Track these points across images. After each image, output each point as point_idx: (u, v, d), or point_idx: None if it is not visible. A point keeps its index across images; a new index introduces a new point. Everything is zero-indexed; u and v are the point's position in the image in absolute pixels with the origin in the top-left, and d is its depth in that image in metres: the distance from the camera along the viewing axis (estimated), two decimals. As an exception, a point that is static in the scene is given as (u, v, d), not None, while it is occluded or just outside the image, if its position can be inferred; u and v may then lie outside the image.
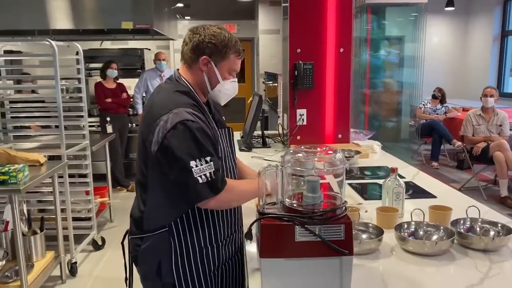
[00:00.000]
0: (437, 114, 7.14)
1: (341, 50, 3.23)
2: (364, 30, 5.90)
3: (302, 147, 1.30)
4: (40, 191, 3.55)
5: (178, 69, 1.60)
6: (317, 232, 1.22)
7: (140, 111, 5.66)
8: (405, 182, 2.34)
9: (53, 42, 2.98)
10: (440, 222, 1.66)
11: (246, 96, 8.60)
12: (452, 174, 6.44)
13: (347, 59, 3.26)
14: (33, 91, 4.62)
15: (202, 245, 1.53)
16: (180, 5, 7.92)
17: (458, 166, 6.76)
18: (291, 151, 1.30)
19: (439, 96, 7.16)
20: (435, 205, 1.77)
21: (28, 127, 4.10)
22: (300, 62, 3.17)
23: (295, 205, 1.28)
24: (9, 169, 2.50)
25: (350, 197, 2.06)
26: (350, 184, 2.36)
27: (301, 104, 3.28)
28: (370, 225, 1.62)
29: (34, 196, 3.62)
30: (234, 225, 1.64)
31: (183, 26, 9.30)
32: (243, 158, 3.02)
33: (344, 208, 1.29)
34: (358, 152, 2.91)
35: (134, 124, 5.75)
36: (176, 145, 1.39)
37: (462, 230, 1.59)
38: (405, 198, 2.01)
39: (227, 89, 1.58)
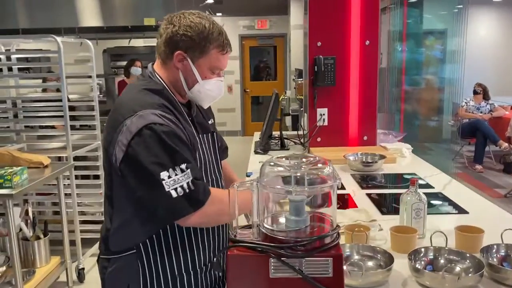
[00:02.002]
0: (481, 112, 6.61)
1: (367, 42, 2.92)
2: (400, 24, 5.50)
3: (284, 158, 1.05)
4: (53, 193, 3.44)
5: (152, 64, 1.38)
6: (297, 267, 0.96)
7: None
8: (433, 194, 2.05)
9: (59, 39, 2.85)
10: (468, 247, 1.35)
11: (278, 94, 8.36)
12: (497, 179, 5.92)
13: (373, 52, 2.95)
14: (58, 90, 4.57)
15: (176, 273, 1.30)
16: (210, 1, 7.76)
17: (504, 169, 6.23)
18: (271, 162, 1.04)
19: (480, 91, 6.63)
20: (464, 226, 1.46)
21: (53, 127, 4.03)
22: (321, 56, 2.89)
23: (274, 230, 1.03)
24: (5, 172, 2.38)
25: (364, 211, 1.77)
26: (368, 195, 2.07)
27: (322, 102, 3.00)
28: (378, 249, 1.33)
29: (49, 198, 3.53)
30: (217, 249, 1.39)
31: (214, 23, 9.16)
32: (255, 162, 2.78)
33: (335, 235, 1.03)
34: (382, 157, 2.60)
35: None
36: (143, 154, 1.16)
37: (494, 260, 1.28)
38: (431, 214, 1.71)
39: (208, 90, 1.33)
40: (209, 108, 1.51)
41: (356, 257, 1.32)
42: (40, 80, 5.06)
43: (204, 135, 1.38)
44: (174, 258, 1.29)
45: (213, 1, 7.77)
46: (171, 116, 1.23)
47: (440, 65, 6.58)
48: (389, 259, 1.27)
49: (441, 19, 6.22)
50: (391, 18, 5.51)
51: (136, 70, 5.33)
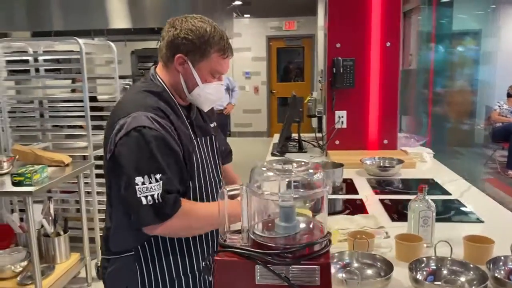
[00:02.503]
0: (515, 116, 6.36)
1: (388, 44, 2.85)
2: (430, 25, 5.36)
3: (274, 163, 1.03)
4: (76, 191, 3.53)
5: (155, 66, 1.39)
6: (284, 275, 0.95)
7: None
8: (449, 201, 1.99)
9: (81, 41, 2.93)
10: (476, 259, 1.29)
11: (304, 96, 8.30)
12: (531, 185, 5.68)
13: (394, 54, 2.88)
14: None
15: (174, 276, 1.30)
16: (238, 2, 7.79)
17: (539, 176, 5.96)
18: (261, 167, 1.03)
19: (514, 94, 6.36)
20: (474, 235, 1.40)
21: (81, 127, 4.14)
22: (339, 58, 2.85)
23: (263, 236, 1.01)
24: (26, 170, 2.46)
25: (372, 217, 1.73)
26: (381, 200, 2.02)
27: (341, 105, 2.95)
28: (378, 257, 1.29)
29: (72, 196, 3.62)
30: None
31: (243, 25, 9.20)
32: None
33: (326, 242, 1.00)
34: (400, 161, 2.53)
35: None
36: (126, 155, 1.19)
37: (500, 273, 1.22)
38: (443, 222, 1.67)
39: (209, 94, 1.33)
40: (212, 111, 1.51)
41: (355, 265, 1.29)
42: (70, 81, 5.20)
43: (203, 138, 1.38)
44: (172, 261, 1.30)
45: (241, 2, 7.80)
46: (164, 120, 1.24)
47: (472, 66, 6.38)
48: (389, 268, 1.23)
49: (473, 19, 6.02)
50: (421, 19, 5.38)
51: (161, 71, 5.42)
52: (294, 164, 1.03)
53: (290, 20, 9.14)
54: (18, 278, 2.64)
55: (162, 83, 1.33)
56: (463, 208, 1.90)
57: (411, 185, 2.31)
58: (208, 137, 1.40)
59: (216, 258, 0.97)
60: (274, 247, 0.97)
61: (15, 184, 2.42)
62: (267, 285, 0.95)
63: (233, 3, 7.50)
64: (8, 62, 3.35)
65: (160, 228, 1.18)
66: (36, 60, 3.46)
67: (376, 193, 2.15)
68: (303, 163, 1.02)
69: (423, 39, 5.40)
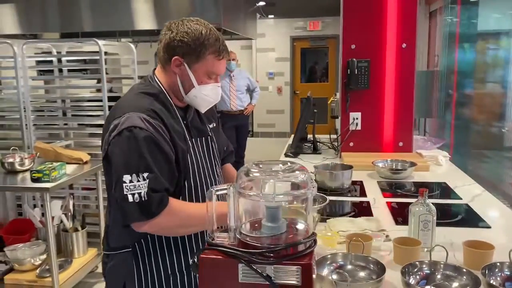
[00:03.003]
0: (546, 119, 6.14)
1: (404, 45, 2.82)
2: (454, 25, 5.24)
3: (261, 165, 1.05)
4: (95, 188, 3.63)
5: (154, 69, 1.43)
6: (266, 273, 0.96)
7: (209, 110, 5.64)
8: (458, 205, 1.96)
9: (100, 42, 3.01)
10: (474, 264, 1.28)
11: (328, 96, 8.25)
12: (561, 191, 5.47)
13: (410, 55, 2.84)
14: (110, 90, 4.81)
15: (170, 272, 1.34)
16: (262, 3, 7.82)
17: None
18: (245, 169, 1.05)
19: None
20: (474, 241, 1.38)
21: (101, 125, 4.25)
22: (354, 59, 2.83)
23: (248, 235, 1.03)
24: (44, 167, 2.55)
25: (375, 220, 1.72)
26: (388, 203, 2.00)
27: (355, 106, 2.93)
28: (371, 259, 1.29)
29: (93, 193, 3.72)
30: None
31: (267, 25, 9.22)
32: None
33: (311, 242, 1.01)
34: (413, 164, 2.50)
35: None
36: (117, 154, 1.24)
37: (496, 279, 1.20)
38: (449, 226, 1.65)
39: (205, 95, 1.35)
40: (212, 111, 1.53)
41: (349, 267, 1.29)
42: (95, 81, 5.35)
43: (198, 139, 1.40)
44: (167, 258, 1.33)
45: (264, 3, 7.82)
46: (156, 121, 1.27)
47: (502, 67, 6.18)
48: (382, 271, 1.23)
49: (504, 18, 5.84)
50: (445, 18, 5.26)
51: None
52: (281, 165, 1.04)
53: (315, 21, 9.10)
54: (37, 271, 2.74)
55: (160, 85, 1.36)
56: (471, 213, 1.86)
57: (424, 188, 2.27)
58: (204, 138, 1.43)
59: (201, 255, 1.00)
60: (258, 246, 0.98)
61: (34, 180, 2.52)
62: (250, 284, 0.97)
63: (257, 4, 7.53)
64: (37, 62, 3.49)
65: (147, 226, 1.22)
66: (60, 61, 3.58)
67: (385, 196, 2.13)
68: (288, 165, 1.04)
69: (448, 40, 5.28)
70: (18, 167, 2.76)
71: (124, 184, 1.18)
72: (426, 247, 1.45)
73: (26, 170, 2.76)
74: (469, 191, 2.17)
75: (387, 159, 2.62)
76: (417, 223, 1.48)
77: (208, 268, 1.00)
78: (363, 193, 2.18)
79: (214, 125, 1.53)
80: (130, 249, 1.33)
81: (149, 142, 1.22)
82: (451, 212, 1.86)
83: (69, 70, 3.66)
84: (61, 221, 3.01)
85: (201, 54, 1.29)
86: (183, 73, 1.32)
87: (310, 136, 3.29)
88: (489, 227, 1.70)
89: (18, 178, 2.71)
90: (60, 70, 3.59)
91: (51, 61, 3.64)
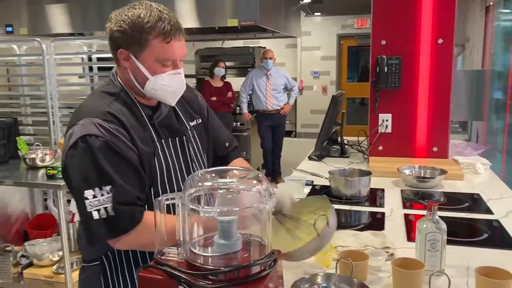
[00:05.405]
0: None
1: (440, 41, 2.56)
2: (509, 20, 4.79)
3: (214, 173, 0.91)
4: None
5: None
6: (209, 299, 0.83)
7: (245, 110, 5.56)
8: (487, 221, 1.71)
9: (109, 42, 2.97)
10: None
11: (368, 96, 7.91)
12: None
13: (447, 52, 2.58)
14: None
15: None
16: (308, 0, 7.62)
17: None
18: (196, 177, 0.92)
19: None
20: (491, 267, 1.16)
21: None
22: (384, 56, 2.62)
23: (198, 253, 0.90)
24: (59, 164, 2.54)
25: (381, 235, 1.52)
26: (406, 216, 1.79)
27: (385, 107, 2.71)
28: (355, 281, 1.11)
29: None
30: None
31: (312, 23, 9.00)
32: (309, 168, 2.58)
33: (269, 264, 0.87)
34: (444, 172, 2.25)
35: (238, 123, 5.70)
36: (73, 167, 1.12)
37: (505, 320, 0.99)
38: (469, 246, 1.44)
39: (164, 86, 1.18)
40: (198, 106, 1.41)
41: (332, 290, 1.12)
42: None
43: (170, 139, 1.26)
44: (135, 273, 1.23)
45: (310, 0, 7.62)
46: (113, 124, 1.14)
47: None
48: (368, 298, 1.06)
49: None
50: (497, 15, 4.84)
51: (219, 71, 5.45)
52: (236, 172, 0.91)
53: (363, 18, 8.77)
54: (54, 267, 2.76)
55: (120, 82, 1.24)
56: (501, 232, 1.62)
57: (451, 200, 2.03)
58: (178, 138, 1.28)
59: (140, 274, 0.88)
60: (202, 267, 0.85)
61: (49, 177, 2.52)
62: (190, 309, 0.84)
63: (302, 2, 7.34)
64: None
65: (118, 244, 1.11)
66: (90, 58, 3.61)
67: (405, 207, 1.92)
68: (244, 173, 0.90)
69: (502, 37, 4.85)
70: (39, 163, 2.79)
71: (87, 201, 1.07)
72: (434, 270, 1.25)
73: (46, 167, 2.78)
74: (505, 205, 1.91)
75: (415, 165, 2.38)
76: (423, 242, 1.28)
77: (146, 287, 0.88)
78: (380, 203, 1.98)
79: (199, 121, 1.38)
80: (98, 262, 1.24)
81: (106, 150, 1.10)
82: (476, 229, 1.63)
83: (99, 68, 3.67)
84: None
85: (144, 40, 1.13)
86: (133, 66, 1.17)
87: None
88: (516, 249, 1.46)
89: (39, 174, 2.73)
90: (91, 68, 3.62)
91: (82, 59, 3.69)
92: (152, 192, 1.20)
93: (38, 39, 3.15)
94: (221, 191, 0.86)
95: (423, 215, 1.70)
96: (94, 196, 1.07)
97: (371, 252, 1.35)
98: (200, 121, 1.40)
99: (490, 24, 5.44)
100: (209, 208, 0.84)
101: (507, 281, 1.12)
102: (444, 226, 1.27)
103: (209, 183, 0.89)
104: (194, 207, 0.85)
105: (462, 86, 4.02)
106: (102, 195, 1.07)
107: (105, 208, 1.07)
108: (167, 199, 0.93)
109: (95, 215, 1.07)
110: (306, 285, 1.12)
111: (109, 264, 1.23)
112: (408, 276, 1.18)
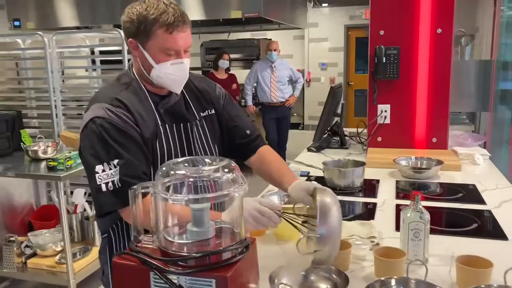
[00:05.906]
0: None
1: (439, 31, 2.54)
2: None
3: (186, 163, 0.93)
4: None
5: None
6: (179, 284, 0.85)
7: (250, 102, 5.57)
8: (478, 211, 1.70)
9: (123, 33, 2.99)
10: (466, 284, 1.08)
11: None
12: None
13: (446, 42, 2.56)
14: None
15: None
16: (315, -9, 7.58)
17: None
18: (164, 167, 0.93)
19: None
20: (471, 256, 1.16)
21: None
22: (382, 46, 2.60)
23: (170, 241, 0.92)
24: (61, 156, 2.59)
25: (368, 225, 1.53)
26: (398, 206, 1.79)
27: (384, 98, 2.69)
28: (333, 269, 1.13)
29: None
30: None
31: (320, 14, 8.93)
32: (307, 160, 2.59)
33: (240, 250, 0.88)
34: (440, 163, 2.24)
35: (243, 115, 5.70)
36: (85, 146, 1.24)
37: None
38: (459, 235, 1.43)
39: (167, 73, 1.27)
40: (213, 98, 1.46)
41: (311, 278, 1.13)
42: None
43: (174, 125, 1.34)
44: None
45: (317, -9, 7.57)
46: (120, 109, 1.25)
47: None
48: (346, 283, 1.07)
49: None
50: (502, 5, 4.75)
51: (223, 63, 5.45)
52: (208, 160, 0.92)
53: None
54: (57, 257, 2.81)
55: (134, 72, 1.34)
56: (491, 222, 1.61)
57: (446, 190, 2.02)
58: (183, 124, 1.36)
59: (114, 260, 0.90)
60: (172, 253, 0.87)
61: (49, 168, 2.56)
62: (162, 294, 0.86)
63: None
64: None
65: (124, 214, 1.20)
66: (92, 52, 3.64)
67: (398, 198, 1.92)
68: (216, 161, 0.91)
69: (507, 27, 4.76)
70: (41, 155, 2.83)
71: (97, 175, 1.18)
72: (417, 259, 1.25)
73: (48, 159, 2.82)
74: (499, 196, 1.90)
75: (412, 156, 2.37)
76: (406, 231, 1.28)
77: (120, 273, 0.90)
78: (373, 194, 1.98)
79: (211, 112, 1.45)
80: (106, 234, 1.35)
81: (112, 129, 1.20)
82: (466, 219, 1.62)
83: (102, 62, 3.71)
84: (85, 209, 3.06)
85: (149, 31, 1.22)
86: (141, 54, 1.27)
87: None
88: (505, 239, 1.45)
89: (41, 166, 2.78)
90: (94, 61, 3.65)
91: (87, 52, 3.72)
92: (152, 173, 1.27)
93: (40, 32, 3.18)
94: (192, 179, 0.87)
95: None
96: (103, 170, 1.17)
97: (356, 241, 1.36)
98: (213, 111, 1.46)
99: (499, 14, 5.36)
100: (179, 195, 0.86)
101: (486, 269, 1.12)
102: (427, 216, 1.27)
103: (182, 172, 0.90)
104: (164, 195, 0.86)
105: (469, 77, 3.97)
106: (110, 169, 1.17)
107: (113, 181, 1.17)
108: (142, 188, 0.95)
109: (103, 188, 1.17)
110: (285, 273, 1.13)
111: (114, 237, 1.33)
112: (389, 264, 1.19)
